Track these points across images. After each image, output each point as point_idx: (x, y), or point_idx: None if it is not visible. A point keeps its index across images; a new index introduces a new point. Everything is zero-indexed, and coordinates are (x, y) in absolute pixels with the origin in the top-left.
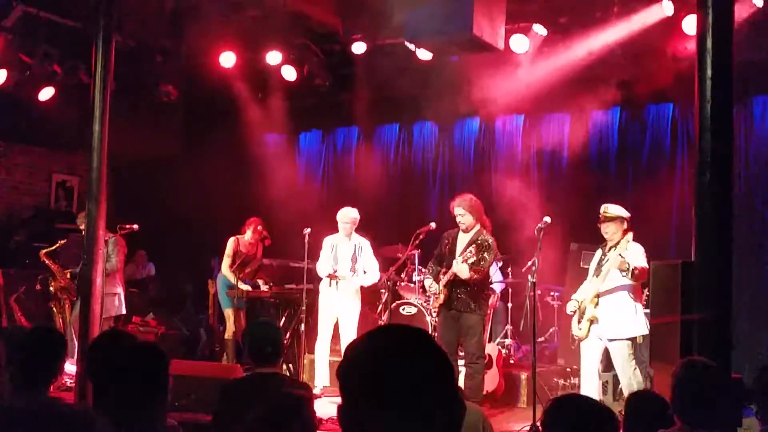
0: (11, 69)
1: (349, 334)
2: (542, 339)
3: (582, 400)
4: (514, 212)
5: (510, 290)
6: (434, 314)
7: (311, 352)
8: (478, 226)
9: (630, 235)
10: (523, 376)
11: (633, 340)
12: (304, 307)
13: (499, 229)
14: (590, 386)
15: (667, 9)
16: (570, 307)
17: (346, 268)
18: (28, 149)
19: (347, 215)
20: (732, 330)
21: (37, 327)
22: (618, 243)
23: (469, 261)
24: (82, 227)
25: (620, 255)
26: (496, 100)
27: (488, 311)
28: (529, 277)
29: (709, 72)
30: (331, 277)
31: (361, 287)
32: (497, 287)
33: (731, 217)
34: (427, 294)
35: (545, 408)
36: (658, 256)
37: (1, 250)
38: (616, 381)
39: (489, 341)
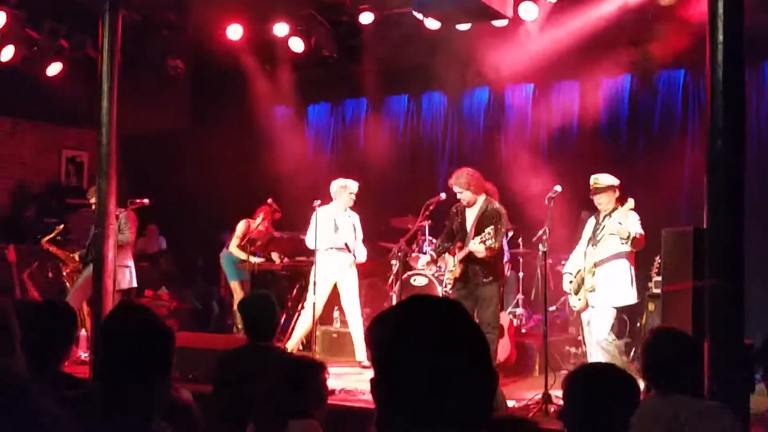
0: (18, 44)
1: (355, 306)
2: (553, 308)
3: (600, 368)
4: (524, 182)
5: (521, 259)
6: (447, 287)
7: (323, 323)
8: (482, 197)
9: (631, 202)
10: (534, 345)
11: (618, 309)
12: (315, 279)
13: (509, 198)
14: (599, 354)
15: None
16: (567, 284)
17: (350, 241)
18: (37, 125)
19: (355, 186)
20: (744, 297)
21: (46, 302)
22: (613, 210)
23: (487, 243)
24: (93, 201)
25: (620, 222)
26: (505, 70)
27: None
28: (540, 246)
29: (720, 37)
30: (347, 249)
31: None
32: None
33: (743, 184)
34: (438, 265)
35: (565, 379)
36: (670, 224)
37: (13, 225)
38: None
39: (501, 311)
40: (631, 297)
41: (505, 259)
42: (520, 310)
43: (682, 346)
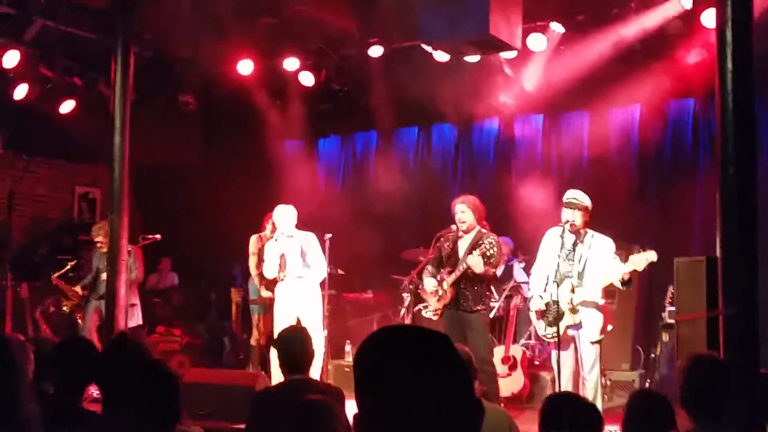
0: (32, 83)
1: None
2: None
3: (572, 399)
4: (535, 212)
5: None
6: (432, 314)
7: (336, 357)
8: (477, 227)
9: (652, 254)
10: (548, 376)
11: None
12: (326, 313)
13: (520, 229)
14: (581, 387)
15: (685, 2)
16: (536, 304)
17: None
18: (51, 162)
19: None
20: (758, 325)
21: (67, 338)
22: (584, 235)
23: (488, 252)
24: (97, 240)
25: (610, 280)
26: (514, 101)
27: (512, 312)
28: (551, 276)
29: (729, 65)
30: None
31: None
32: (524, 287)
33: (756, 212)
34: (430, 292)
35: (541, 407)
36: (683, 253)
37: (26, 263)
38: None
39: (513, 342)
40: (607, 326)
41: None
42: (532, 342)
43: (729, 379)
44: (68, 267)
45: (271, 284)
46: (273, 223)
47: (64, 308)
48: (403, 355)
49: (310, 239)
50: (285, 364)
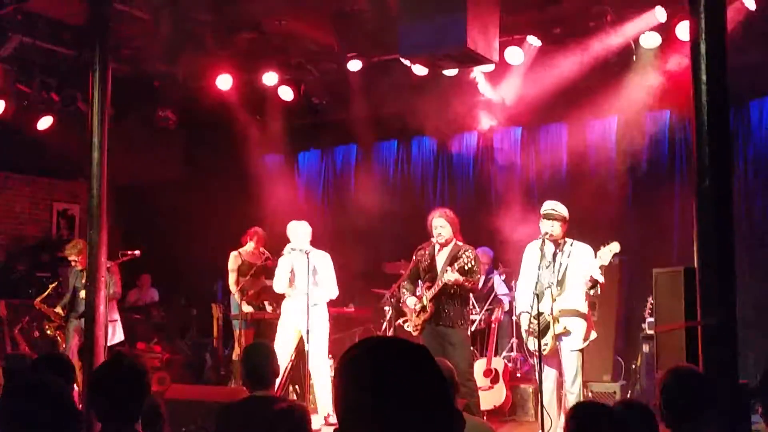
0: (9, 99)
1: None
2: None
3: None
4: (515, 224)
5: (514, 303)
6: (412, 329)
7: None
8: (454, 241)
9: (615, 245)
10: (530, 389)
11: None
12: (308, 327)
13: (500, 241)
14: (564, 398)
15: (660, 16)
16: (526, 323)
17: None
18: (29, 179)
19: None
20: (737, 336)
21: (43, 355)
22: (563, 245)
23: (467, 266)
24: (71, 258)
25: (591, 276)
26: (492, 114)
27: (493, 325)
28: (532, 289)
29: (704, 77)
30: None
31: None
32: (505, 300)
33: (732, 222)
34: (411, 309)
35: (568, 415)
36: (661, 264)
37: (4, 280)
38: (623, 389)
39: (495, 355)
40: (592, 336)
41: (507, 301)
42: (514, 354)
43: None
44: (49, 289)
45: (252, 299)
46: (256, 239)
47: (48, 331)
48: (385, 366)
49: (323, 258)
50: (249, 378)
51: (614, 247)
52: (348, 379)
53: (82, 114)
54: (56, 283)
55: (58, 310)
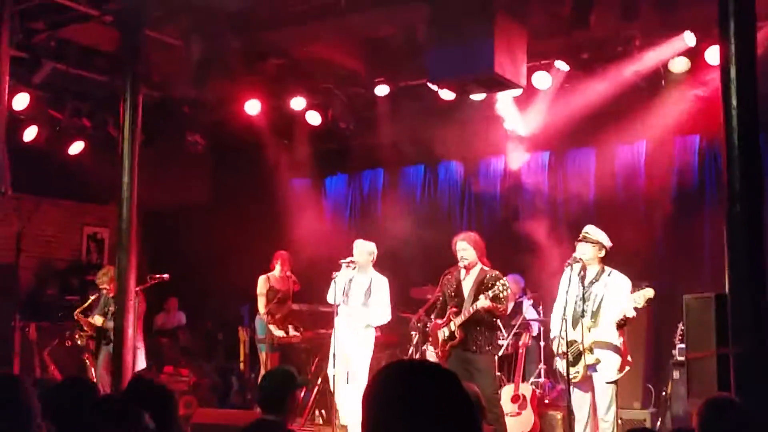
0: (41, 125)
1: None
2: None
3: None
4: (542, 249)
5: (542, 329)
6: (439, 356)
7: None
8: (479, 264)
9: (649, 291)
10: (558, 415)
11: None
12: (335, 352)
13: (527, 266)
14: (604, 425)
15: (689, 40)
16: (557, 348)
17: (357, 304)
18: (60, 202)
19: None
20: None
21: (67, 378)
22: (600, 273)
23: (500, 296)
24: (102, 286)
25: (624, 315)
26: (520, 138)
27: (521, 350)
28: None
29: (734, 101)
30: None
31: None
32: (533, 325)
33: (764, 248)
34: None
35: None
36: (692, 290)
37: (35, 303)
38: (653, 417)
39: (522, 381)
40: (626, 367)
41: (536, 326)
42: (542, 380)
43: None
44: (90, 300)
45: (279, 323)
46: (281, 263)
47: (79, 341)
48: (415, 389)
49: (380, 281)
50: (261, 402)
51: (648, 292)
52: (377, 402)
53: (113, 139)
54: (97, 295)
55: (96, 319)
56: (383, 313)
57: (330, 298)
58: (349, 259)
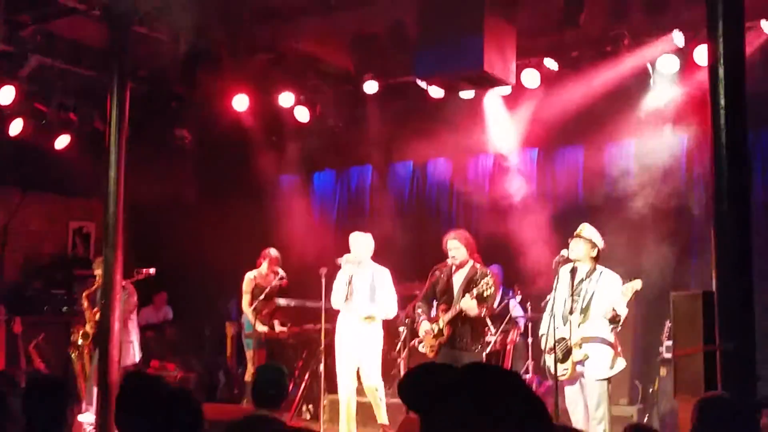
0: (27, 118)
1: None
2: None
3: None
4: (531, 246)
5: (530, 325)
6: (429, 352)
7: (331, 392)
8: (471, 261)
9: (637, 283)
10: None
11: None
12: (322, 347)
13: (516, 263)
14: (593, 422)
15: (677, 40)
16: (544, 343)
17: (362, 298)
18: (45, 197)
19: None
20: (755, 360)
21: (33, 375)
22: (592, 272)
23: (485, 293)
24: (98, 272)
25: (614, 309)
26: (508, 135)
27: (509, 347)
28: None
29: (722, 101)
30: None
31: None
32: (520, 322)
33: (751, 246)
34: (428, 331)
35: None
36: (679, 287)
37: (20, 297)
38: (640, 413)
39: None
40: (620, 364)
41: (522, 323)
42: (529, 376)
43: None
44: (97, 285)
45: (266, 319)
46: (269, 261)
47: (79, 340)
48: (494, 395)
49: (383, 274)
50: (254, 397)
51: (636, 284)
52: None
53: (100, 133)
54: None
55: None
56: (391, 306)
57: (335, 302)
58: (346, 256)
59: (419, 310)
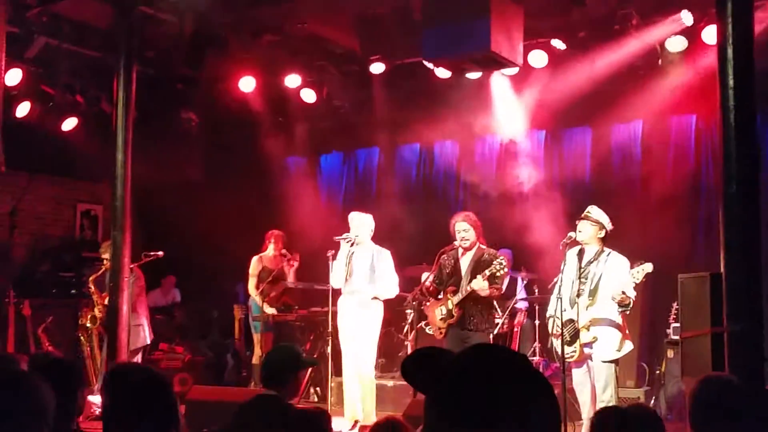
0: (34, 100)
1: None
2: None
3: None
4: (538, 228)
5: (537, 307)
6: (437, 334)
7: (338, 374)
8: (478, 244)
9: (648, 266)
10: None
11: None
12: (330, 329)
13: (524, 245)
14: (601, 404)
15: (686, 19)
16: (551, 327)
17: (361, 279)
18: (53, 179)
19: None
20: (763, 342)
21: (35, 355)
22: (600, 254)
23: (498, 273)
24: (105, 257)
25: (623, 292)
26: (516, 117)
27: (516, 329)
28: (566, 295)
29: (731, 81)
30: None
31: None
32: (522, 305)
33: (759, 228)
34: (439, 319)
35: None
36: (686, 269)
37: (28, 280)
38: (647, 395)
39: None
40: (627, 346)
41: (524, 307)
42: (536, 359)
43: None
44: (104, 269)
45: (273, 301)
46: (274, 242)
47: (87, 323)
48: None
49: (383, 254)
50: (264, 376)
51: (647, 267)
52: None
53: (106, 115)
54: (106, 262)
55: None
56: (391, 286)
57: (335, 281)
58: (345, 235)
59: (430, 301)
